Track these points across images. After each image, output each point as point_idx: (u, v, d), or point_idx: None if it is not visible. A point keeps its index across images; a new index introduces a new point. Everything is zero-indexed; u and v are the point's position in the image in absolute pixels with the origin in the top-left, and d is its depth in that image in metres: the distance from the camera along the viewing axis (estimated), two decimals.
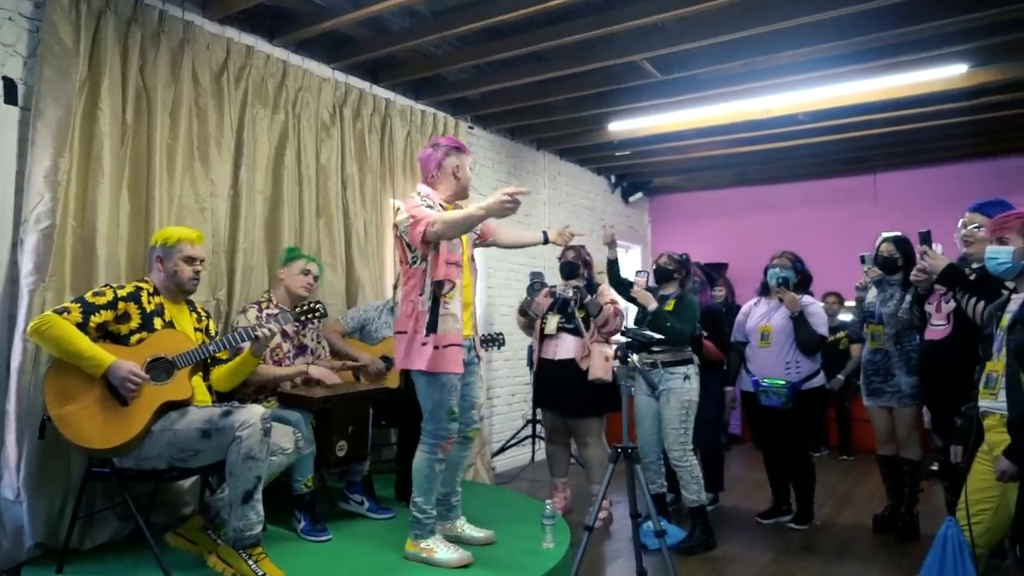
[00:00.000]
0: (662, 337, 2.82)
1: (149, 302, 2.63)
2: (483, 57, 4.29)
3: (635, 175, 7.59)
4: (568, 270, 4.09)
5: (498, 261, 5.62)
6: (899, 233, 3.94)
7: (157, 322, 2.62)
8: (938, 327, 3.32)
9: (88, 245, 2.92)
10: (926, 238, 3.10)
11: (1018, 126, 5.49)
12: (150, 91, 3.20)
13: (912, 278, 3.36)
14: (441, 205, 2.86)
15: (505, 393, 5.69)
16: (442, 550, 2.72)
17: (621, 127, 5.57)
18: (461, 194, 2.99)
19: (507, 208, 2.58)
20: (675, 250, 4.07)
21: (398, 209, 2.86)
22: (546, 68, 4.47)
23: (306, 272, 3.32)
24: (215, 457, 2.47)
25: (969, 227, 3.08)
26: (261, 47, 3.78)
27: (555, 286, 4.12)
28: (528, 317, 4.21)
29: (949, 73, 4.36)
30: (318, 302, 2.98)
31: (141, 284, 2.67)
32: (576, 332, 3.96)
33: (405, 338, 2.74)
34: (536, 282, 4.81)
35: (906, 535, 3.78)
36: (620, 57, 4.22)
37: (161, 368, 2.53)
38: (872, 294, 3.98)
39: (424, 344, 2.68)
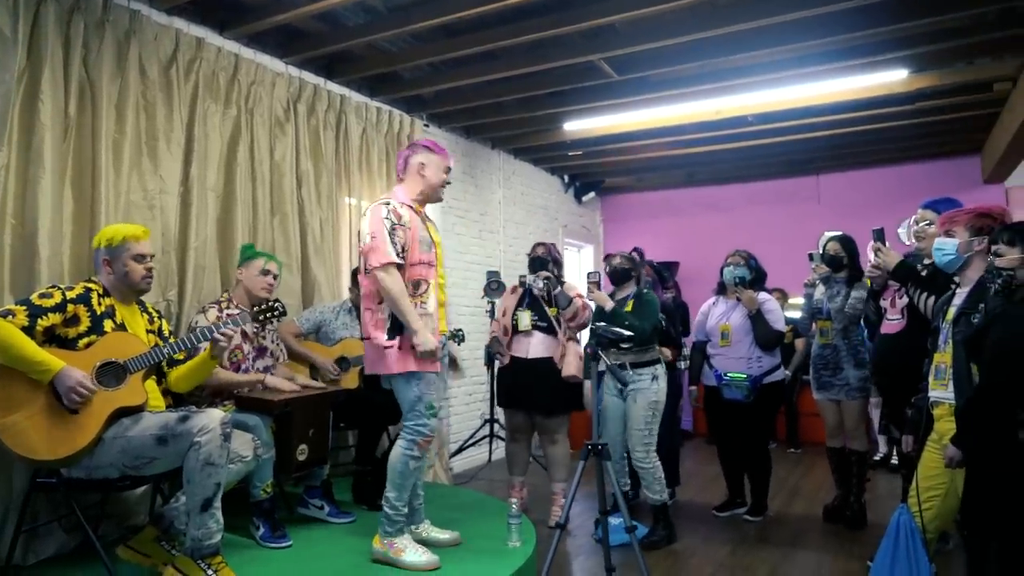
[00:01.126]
0: (631, 334, 2.84)
1: (99, 303, 2.51)
2: (438, 55, 4.25)
3: (587, 175, 7.65)
4: (537, 265, 4.07)
5: (454, 261, 5.59)
6: (843, 232, 4.09)
7: (107, 324, 2.50)
8: (893, 321, 3.44)
9: (28, 244, 2.77)
10: (879, 235, 3.22)
11: (954, 129, 5.75)
12: (94, 83, 3.05)
13: (867, 274, 3.50)
14: (410, 205, 2.82)
15: (462, 393, 5.66)
16: (411, 551, 2.68)
17: (575, 127, 5.60)
18: (429, 193, 2.90)
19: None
20: (625, 249, 4.10)
21: (365, 213, 2.82)
22: (501, 67, 4.46)
23: (266, 272, 3.22)
24: (171, 464, 2.36)
25: (921, 224, 3.22)
26: (212, 39, 3.66)
27: (524, 276, 4.10)
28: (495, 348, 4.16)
29: (890, 78, 4.53)
30: (276, 300, 2.88)
31: (90, 285, 2.54)
32: (549, 330, 3.95)
33: (371, 344, 2.72)
34: (493, 280, 4.81)
35: (855, 523, 3.92)
36: (573, 57, 4.24)
37: (112, 373, 2.41)
38: (820, 291, 4.11)
39: (388, 348, 2.65)
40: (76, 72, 2.98)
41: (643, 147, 6.36)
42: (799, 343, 5.93)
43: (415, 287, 2.71)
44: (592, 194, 7.90)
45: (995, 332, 2.14)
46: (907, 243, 3.31)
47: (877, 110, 5.19)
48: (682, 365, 5.68)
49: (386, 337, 2.66)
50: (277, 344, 3.36)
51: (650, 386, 3.67)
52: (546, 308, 3.97)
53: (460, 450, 5.35)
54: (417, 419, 2.72)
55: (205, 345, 2.65)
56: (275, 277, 3.27)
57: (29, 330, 2.30)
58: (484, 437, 5.46)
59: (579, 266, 8.12)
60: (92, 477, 2.38)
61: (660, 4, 3.54)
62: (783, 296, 6.40)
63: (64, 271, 2.88)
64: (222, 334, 2.59)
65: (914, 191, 5.77)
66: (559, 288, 3.91)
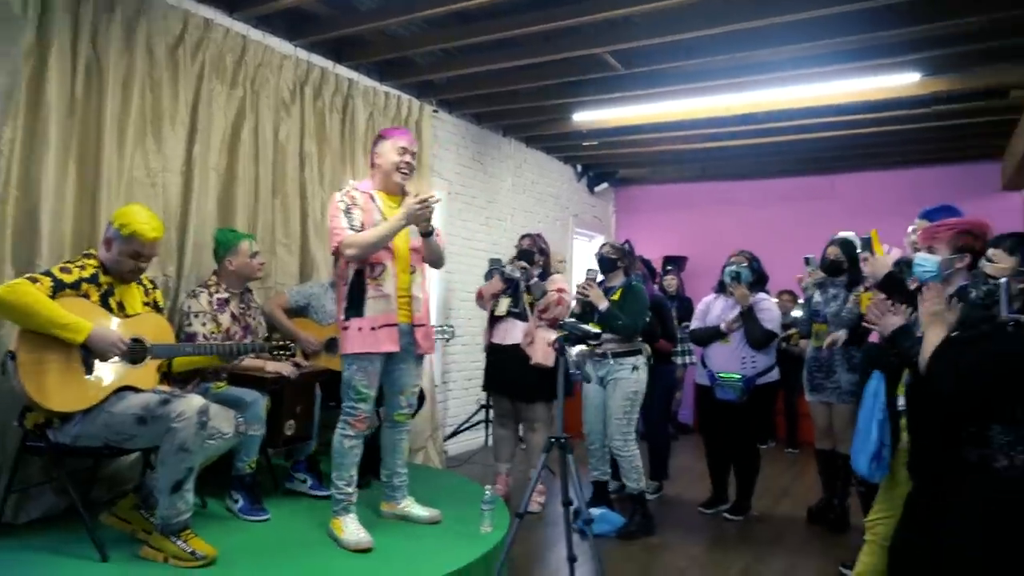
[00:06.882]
0: (599, 331, 2.87)
1: (102, 283, 2.59)
2: (451, 41, 4.28)
3: (601, 165, 7.64)
4: (523, 257, 4.13)
5: (459, 247, 5.64)
6: (845, 235, 4.05)
7: (111, 301, 2.59)
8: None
9: (31, 218, 2.86)
10: (867, 244, 3.18)
11: (971, 135, 5.65)
12: (101, 62, 3.12)
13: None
14: (371, 195, 2.89)
15: (461, 377, 5.72)
16: (348, 531, 2.76)
17: (584, 118, 5.60)
18: (388, 181, 2.93)
19: (419, 213, 2.71)
20: (638, 241, 4.14)
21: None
22: (513, 55, 4.48)
23: (254, 254, 3.30)
24: (150, 443, 2.47)
25: (918, 232, 3.18)
26: (220, 20, 3.72)
27: (504, 266, 4.16)
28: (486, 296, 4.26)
29: (904, 81, 4.46)
30: (292, 343, 3.06)
31: (94, 262, 2.60)
32: (522, 317, 4.01)
33: (339, 325, 2.85)
34: (495, 268, 4.85)
35: (837, 526, 3.94)
36: (584, 49, 4.24)
37: (137, 351, 2.52)
38: (818, 294, 4.09)
39: (346, 328, 2.78)
40: (84, 51, 3.06)
41: (658, 140, 6.34)
42: (804, 343, 5.88)
43: (371, 268, 2.80)
44: (605, 184, 7.89)
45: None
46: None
47: (892, 112, 5.12)
48: (678, 360, 5.70)
49: (343, 318, 2.78)
50: (259, 322, 3.42)
51: (630, 376, 3.71)
52: (524, 296, 4.03)
53: (454, 434, 5.43)
54: (345, 401, 2.84)
55: (240, 359, 2.95)
56: (259, 253, 3.38)
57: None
58: (480, 422, 5.53)
59: (590, 256, 8.12)
60: (76, 445, 2.48)
61: None
62: (793, 297, 6.35)
63: (65, 246, 2.97)
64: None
65: (931, 195, 5.63)
66: (535, 279, 3.96)
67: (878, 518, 2.53)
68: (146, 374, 2.56)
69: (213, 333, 3.09)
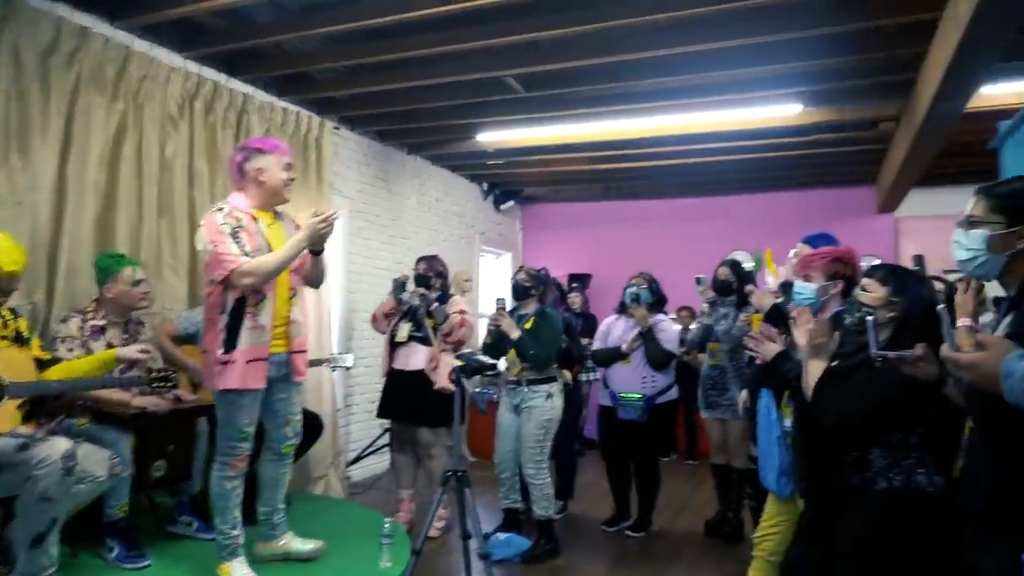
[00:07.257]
0: (495, 363, 2.86)
1: None
2: (353, 58, 4.19)
3: (507, 184, 7.68)
4: (420, 282, 4.07)
5: (361, 267, 5.52)
6: (735, 257, 4.24)
7: None
8: None
9: None
10: (753, 270, 3.34)
11: (848, 161, 6.05)
12: None
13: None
14: (251, 214, 2.73)
15: (364, 400, 5.57)
16: (238, 575, 2.64)
17: (488, 138, 5.62)
18: (272, 199, 2.80)
19: (322, 232, 2.60)
20: (544, 259, 4.15)
21: (200, 225, 2.73)
22: (418, 74, 4.43)
23: (137, 282, 3.08)
24: (6, 492, 2.24)
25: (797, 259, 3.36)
26: (100, 29, 3.49)
27: (403, 293, 4.08)
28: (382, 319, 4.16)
29: (787, 111, 4.74)
30: (173, 372, 2.81)
31: None
32: (425, 341, 3.95)
33: (208, 357, 2.67)
34: (399, 290, 4.76)
35: (733, 538, 4.07)
36: (488, 71, 4.26)
37: None
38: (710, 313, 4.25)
39: (225, 363, 2.60)
40: None
41: (561, 160, 6.45)
42: (701, 357, 6.10)
43: (252, 297, 2.64)
44: (511, 203, 7.93)
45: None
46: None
47: (778, 139, 5.42)
48: (584, 378, 5.78)
49: (222, 351, 2.60)
50: (150, 356, 3.21)
51: (543, 404, 3.71)
52: (425, 320, 3.97)
53: (358, 459, 5.28)
54: (225, 441, 2.70)
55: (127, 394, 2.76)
56: (144, 281, 3.14)
57: None
58: (384, 446, 5.40)
59: (496, 273, 8.14)
60: None
61: (574, 26, 3.60)
62: (691, 314, 6.57)
63: None
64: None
65: (815, 216, 6.08)
66: (435, 304, 3.92)
67: (765, 534, 2.63)
68: (2, 416, 2.32)
69: None
